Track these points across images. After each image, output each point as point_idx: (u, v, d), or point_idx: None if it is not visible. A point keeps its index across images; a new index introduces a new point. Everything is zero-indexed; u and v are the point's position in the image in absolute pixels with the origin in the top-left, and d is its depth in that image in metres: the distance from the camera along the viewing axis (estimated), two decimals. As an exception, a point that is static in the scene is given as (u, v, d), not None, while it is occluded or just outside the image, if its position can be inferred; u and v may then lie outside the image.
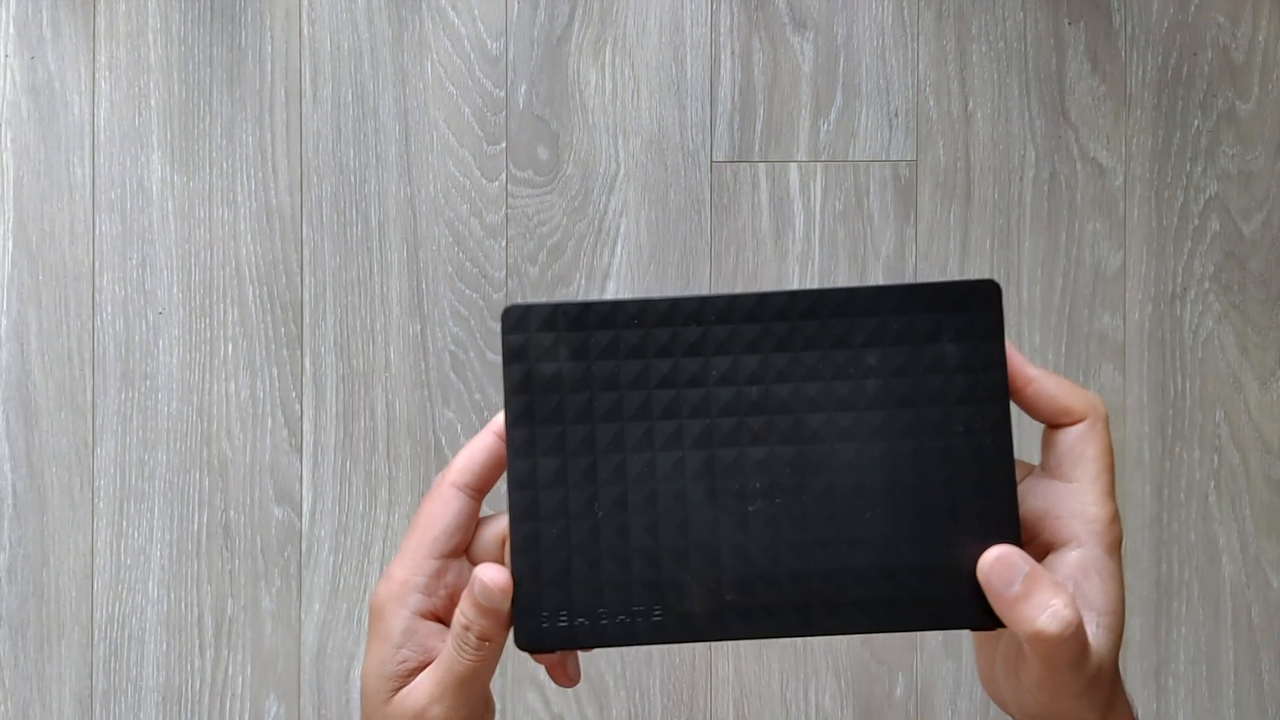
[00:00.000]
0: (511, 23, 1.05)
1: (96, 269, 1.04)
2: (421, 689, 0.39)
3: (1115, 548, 0.39)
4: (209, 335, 1.04)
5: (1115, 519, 0.39)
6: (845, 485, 0.38)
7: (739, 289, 1.04)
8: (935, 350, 0.38)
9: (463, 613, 0.38)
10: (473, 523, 0.41)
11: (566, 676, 0.41)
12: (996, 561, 0.37)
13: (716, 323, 0.38)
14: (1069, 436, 0.39)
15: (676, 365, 0.38)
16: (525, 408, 0.39)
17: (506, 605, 0.38)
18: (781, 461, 0.38)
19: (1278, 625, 1.03)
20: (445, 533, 0.40)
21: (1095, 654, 0.37)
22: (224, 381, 1.04)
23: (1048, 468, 0.40)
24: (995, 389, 0.38)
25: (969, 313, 0.38)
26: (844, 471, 0.38)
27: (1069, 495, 0.39)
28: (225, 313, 1.04)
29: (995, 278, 1.04)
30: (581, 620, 0.38)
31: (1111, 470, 0.39)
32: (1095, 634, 0.37)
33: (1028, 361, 0.39)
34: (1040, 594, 0.36)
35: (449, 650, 0.39)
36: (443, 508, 0.40)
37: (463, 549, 0.40)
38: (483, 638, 0.38)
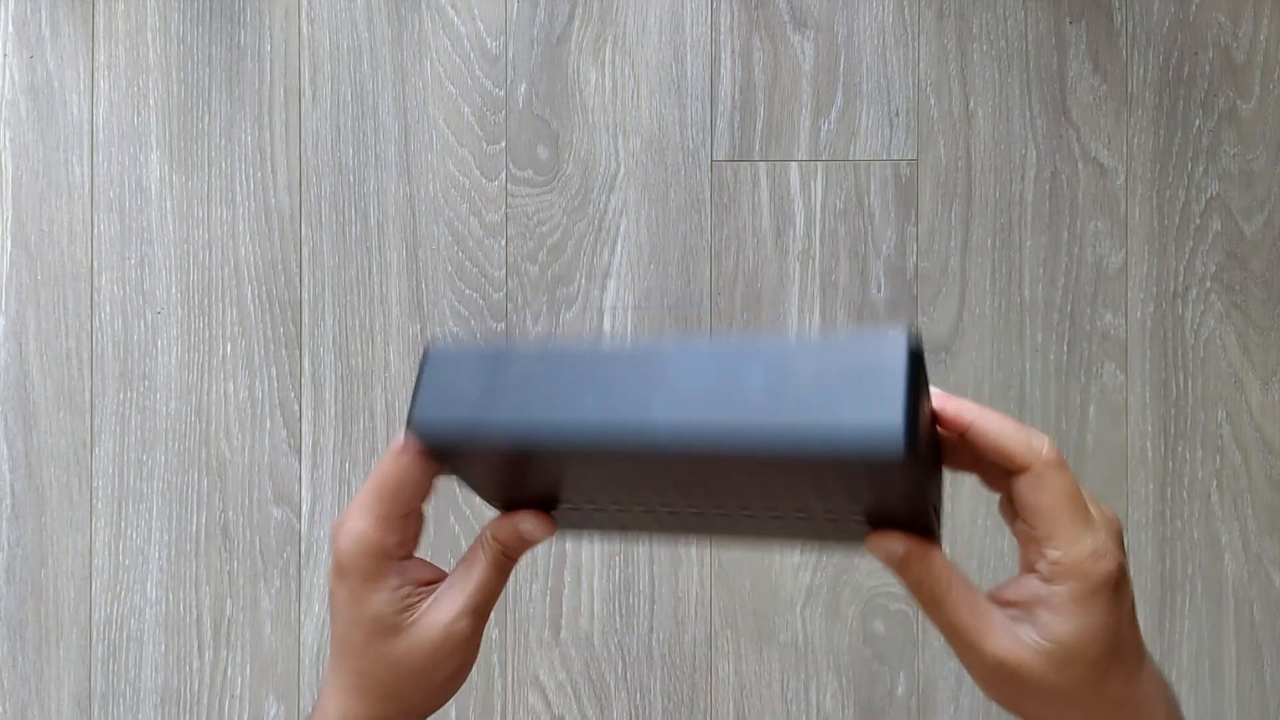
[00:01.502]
0: (511, 22, 1.05)
1: (95, 269, 1.03)
2: (446, 606, 0.42)
3: (1101, 586, 0.36)
4: (207, 335, 1.03)
5: (1095, 556, 0.36)
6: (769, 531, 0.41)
7: (731, 301, 1.04)
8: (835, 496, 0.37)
9: (495, 539, 0.43)
10: (433, 477, 0.42)
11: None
12: (883, 539, 0.38)
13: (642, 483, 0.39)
14: (1021, 486, 0.37)
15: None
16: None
17: (541, 539, 0.43)
18: (713, 517, 0.41)
19: (1279, 623, 1.03)
20: (415, 493, 0.41)
21: (1033, 666, 0.37)
22: (222, 381, 1.03)
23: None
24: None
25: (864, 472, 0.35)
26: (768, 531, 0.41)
27: (1039, 542, 0.37)
28: (224, 312, 1.03)
29: (997, 277, 1.04)
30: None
31: (1074, 511, 0.36)
32: (1032, 653, 0.37)
33: (966, 406, 0.37)
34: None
35: (480, 571, 0.43)
36: (409, 469, 0.41)
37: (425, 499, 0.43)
38: (509, 556, 0.43)
